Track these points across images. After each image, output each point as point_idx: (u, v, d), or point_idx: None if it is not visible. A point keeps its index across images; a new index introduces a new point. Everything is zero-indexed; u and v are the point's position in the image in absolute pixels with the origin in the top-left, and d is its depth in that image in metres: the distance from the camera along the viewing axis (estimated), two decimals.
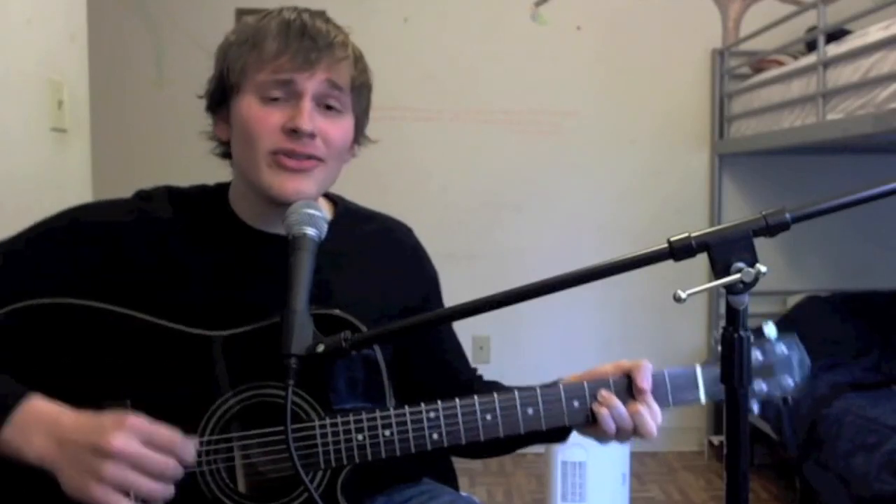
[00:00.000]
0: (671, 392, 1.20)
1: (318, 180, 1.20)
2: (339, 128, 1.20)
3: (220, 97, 1.22)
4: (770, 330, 1.17)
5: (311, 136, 1.17)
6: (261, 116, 1.16)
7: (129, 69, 3.85)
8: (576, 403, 1.17)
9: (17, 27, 1.92)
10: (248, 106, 1.17)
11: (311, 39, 1.16)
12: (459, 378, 1.39)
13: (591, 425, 1.18)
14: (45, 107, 2.04)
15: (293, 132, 1.16)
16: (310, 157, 1.18)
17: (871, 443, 2.65)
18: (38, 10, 2.01)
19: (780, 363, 1.22)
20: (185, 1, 3.84)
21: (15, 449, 1.06)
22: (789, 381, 1.21)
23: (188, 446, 1.08)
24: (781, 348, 1.22)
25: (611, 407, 1.16)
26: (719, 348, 1.17)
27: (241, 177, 1.24)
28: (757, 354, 1.20)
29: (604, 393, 1.17)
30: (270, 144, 1.17)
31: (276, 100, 1.17)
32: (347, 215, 1.33)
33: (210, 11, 3.76)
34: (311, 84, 1.17)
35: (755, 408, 1.17)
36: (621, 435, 1.18)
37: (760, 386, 1.20)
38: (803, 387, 1.22)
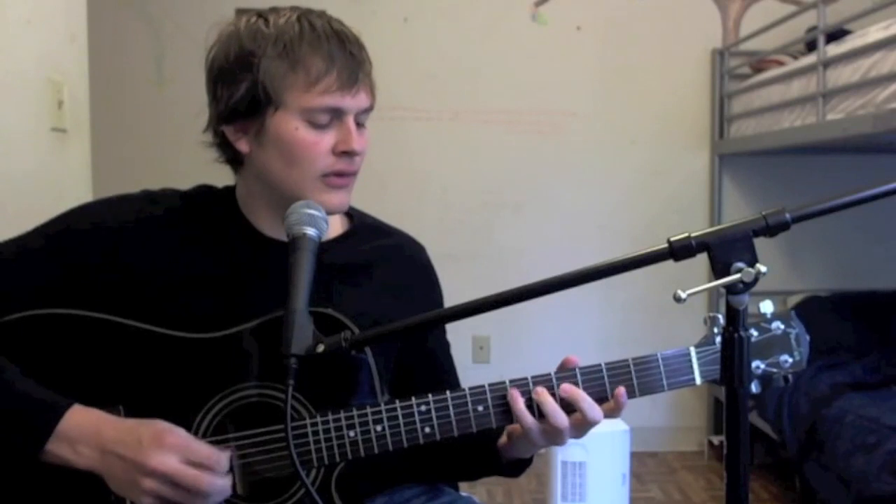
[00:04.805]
0: (665, 375, 1.17)
1: (353, 189, 1.24)
2: (366, 139, 1.23)
3: (251, 111, 1.18)
4: (766, 306, 1.17)
5: (358, 154, 1.20)
6: (313, 141, 1.17)
7: (129, 69, 3.85)
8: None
9: (17, 27, 1.92)
10: (294, 129, 1.16)
11: (351, 55, 1.16)
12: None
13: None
14: (45, 107, 2.04)
15: (345, 154, 1.18)
16: (353, 172, 1.21)
17: (871, 443, 2.65)
18: (38, 10, 2.01)
19: (778, 340, 1.18)
20: (185, 1, 3.84)
21: (62, 459, 1.10)
22: (787, 359, 1.17)
23: (222, 460, 1.10)
24: (778, 325, 1.18)
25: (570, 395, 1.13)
26: (714, 330, 1.18)
27: (268, 186, 1.22)
28: (753, 332, 1.15)
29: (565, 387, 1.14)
30: (323, 168, 1.18)
31: (324, 124, 1.17)
32: (363, 228, 1.34)
33: (210, 11, 3.76)
34: (354, 103, 1.18)
35: (754, 387, 1.14)
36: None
37: (757, 364, 1.17)
38: (804, 363, 1.18)
